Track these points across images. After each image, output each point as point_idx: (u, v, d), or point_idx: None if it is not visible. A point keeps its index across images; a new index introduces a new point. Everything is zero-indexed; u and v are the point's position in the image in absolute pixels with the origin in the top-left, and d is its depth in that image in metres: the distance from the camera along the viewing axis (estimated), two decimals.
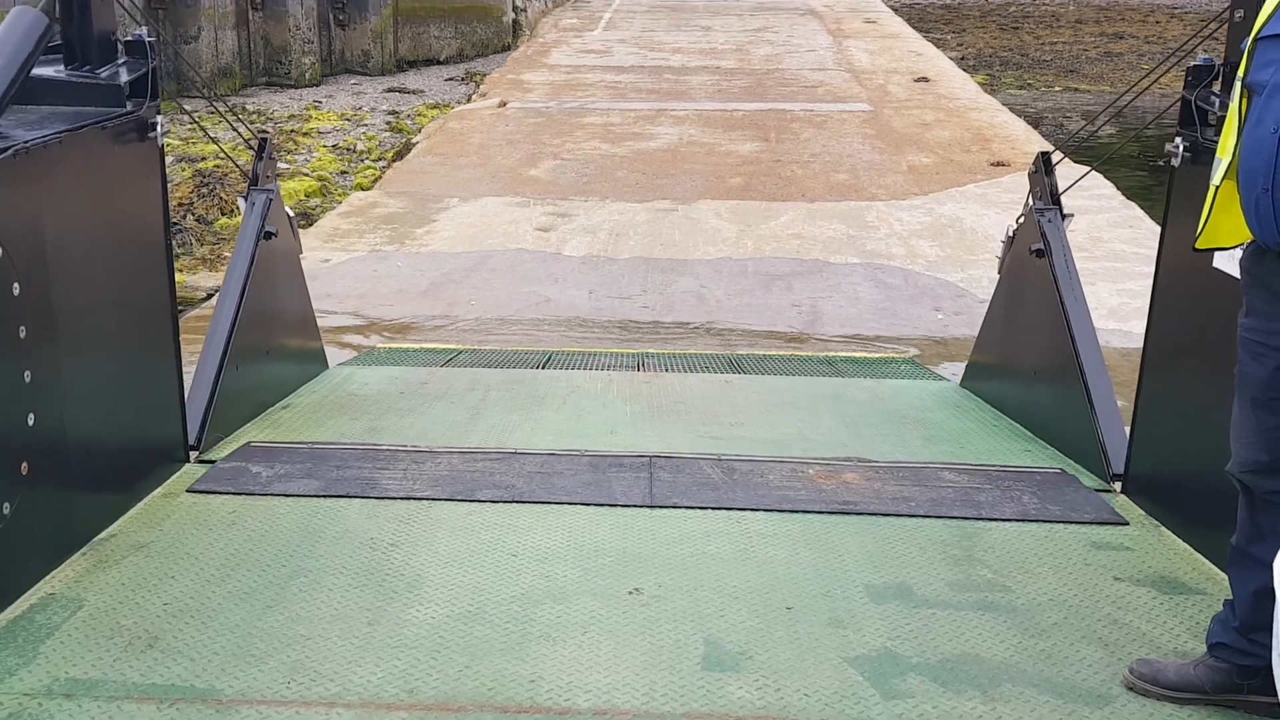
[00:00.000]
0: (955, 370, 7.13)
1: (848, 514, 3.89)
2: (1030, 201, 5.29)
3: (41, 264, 3.23)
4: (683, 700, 2.83)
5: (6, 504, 3.06)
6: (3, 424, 3.07)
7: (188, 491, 3.92)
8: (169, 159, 13.17)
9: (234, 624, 3.09)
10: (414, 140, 13.94)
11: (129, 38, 4.00)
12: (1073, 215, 5.18)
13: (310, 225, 10.54)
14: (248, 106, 16.67)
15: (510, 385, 5.70)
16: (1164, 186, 4.17)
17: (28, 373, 3.15)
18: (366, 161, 13.48)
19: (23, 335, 3.13)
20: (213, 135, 5.19)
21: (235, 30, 18.12)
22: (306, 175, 12.57)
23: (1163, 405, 4.04)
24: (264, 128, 15.18)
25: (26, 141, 3.18)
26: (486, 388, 5.59)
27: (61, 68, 3.82)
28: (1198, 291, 3.76)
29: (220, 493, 3.91)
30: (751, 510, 3.88)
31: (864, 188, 11.50)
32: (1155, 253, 4.75)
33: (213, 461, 4.21)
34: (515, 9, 21.71)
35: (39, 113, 3.55)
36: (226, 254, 9.94)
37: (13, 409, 3.11)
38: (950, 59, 21.27)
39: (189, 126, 15.01)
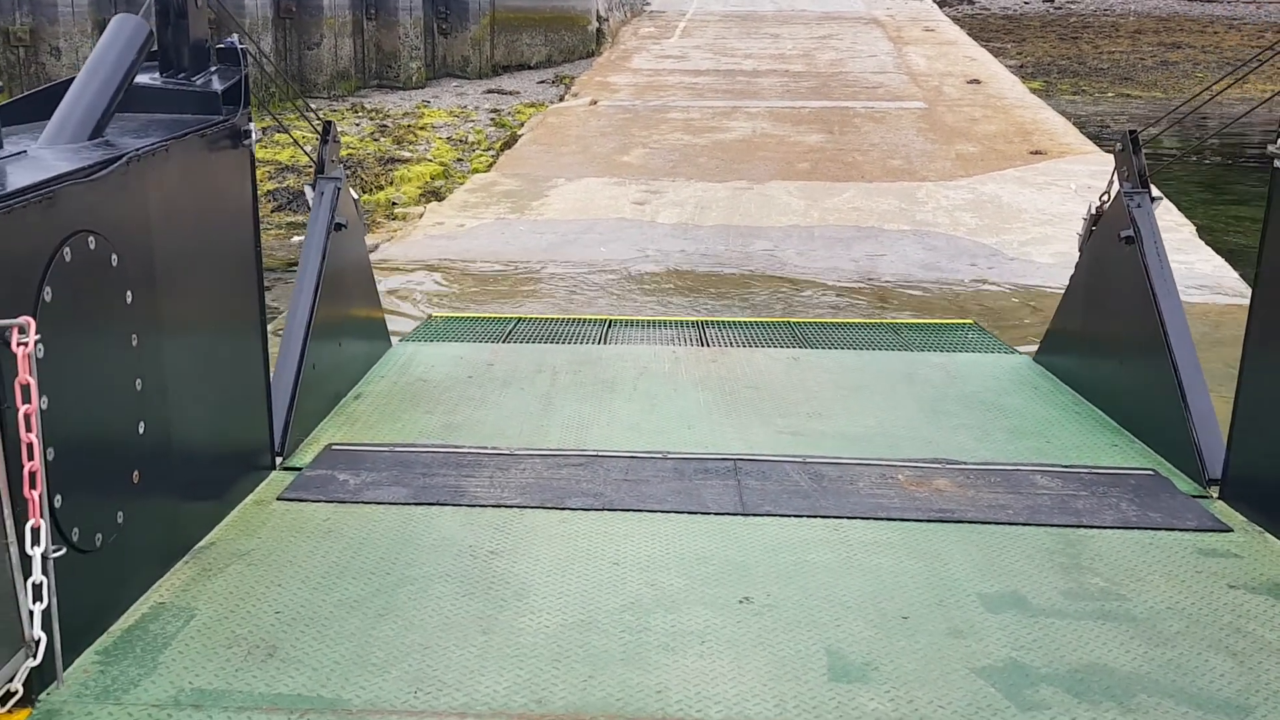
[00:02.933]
0: (986, 311, 8.77)
1: (945, 522, 3.86)
2: (1115, 181, 5.15)
3: (150, 271, 3.24)
4: (815, 712, 2.80)
5: (120, 513, 3.08)
6: (118, 433, 3.10)
7: (278, 499, 3.96)
8: (308, 149, 15.16)
9: (349, 633, 3.10)
10: (519, 133, 15.85)
11: (221, 45, 4.04)
12: (1162, 199, 4.98)
13: (442, 200, 12.44)
14: (365, 105, 18.70)
15: (576, 367, 5.70)
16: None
17: (139, 381, 3.17)
18: (478, 151, 15.39)
19: (135, 344, 3.15)
20: (286, 129, 5.60)
21: (352, 38, 20.20)
22: (430, 161, 14.50)
23: (1265, 410, 3.96)
24: (383, 122, 17.18)
25: (139, 149, 3.19)
26: (554, 370, 5.61)
27: (156, 75, 3.86)
28: None
29: (311, 500, 3.95)
30: (847, 518, 3.88)
31: (916, 171, 13.18)
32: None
33: (298, 468, 4.23)
34: (599, 19, 23.62)
35: (138, 120, 3.59)
36: (379, 218, 11.88)
37: (126, 418, 3.14)
38: (1008, 66, 22.75)
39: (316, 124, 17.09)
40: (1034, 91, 19.81)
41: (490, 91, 19.98)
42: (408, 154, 15.01)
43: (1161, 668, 3.02)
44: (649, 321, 7.31)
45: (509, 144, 15.29)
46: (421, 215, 11.74)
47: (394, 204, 12.70)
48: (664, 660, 3.00)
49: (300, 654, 3.00)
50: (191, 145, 3.54)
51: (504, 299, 9.02)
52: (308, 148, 5.42)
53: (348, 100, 19.22)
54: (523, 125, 16.59)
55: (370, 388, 5.31)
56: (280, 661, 2.96)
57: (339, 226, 4.97)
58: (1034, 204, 11.65)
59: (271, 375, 4.35)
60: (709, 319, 7.63)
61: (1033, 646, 3.10)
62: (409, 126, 16.82)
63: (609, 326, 6.99)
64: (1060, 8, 39.38)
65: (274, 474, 4.18)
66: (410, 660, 2.98)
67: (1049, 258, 9.96)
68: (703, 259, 10.14)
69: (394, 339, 6.20)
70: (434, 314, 7.81)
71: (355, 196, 5.50)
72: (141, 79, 3.65)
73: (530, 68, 22.20)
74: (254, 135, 3.93)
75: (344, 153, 14.79)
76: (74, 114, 3.27)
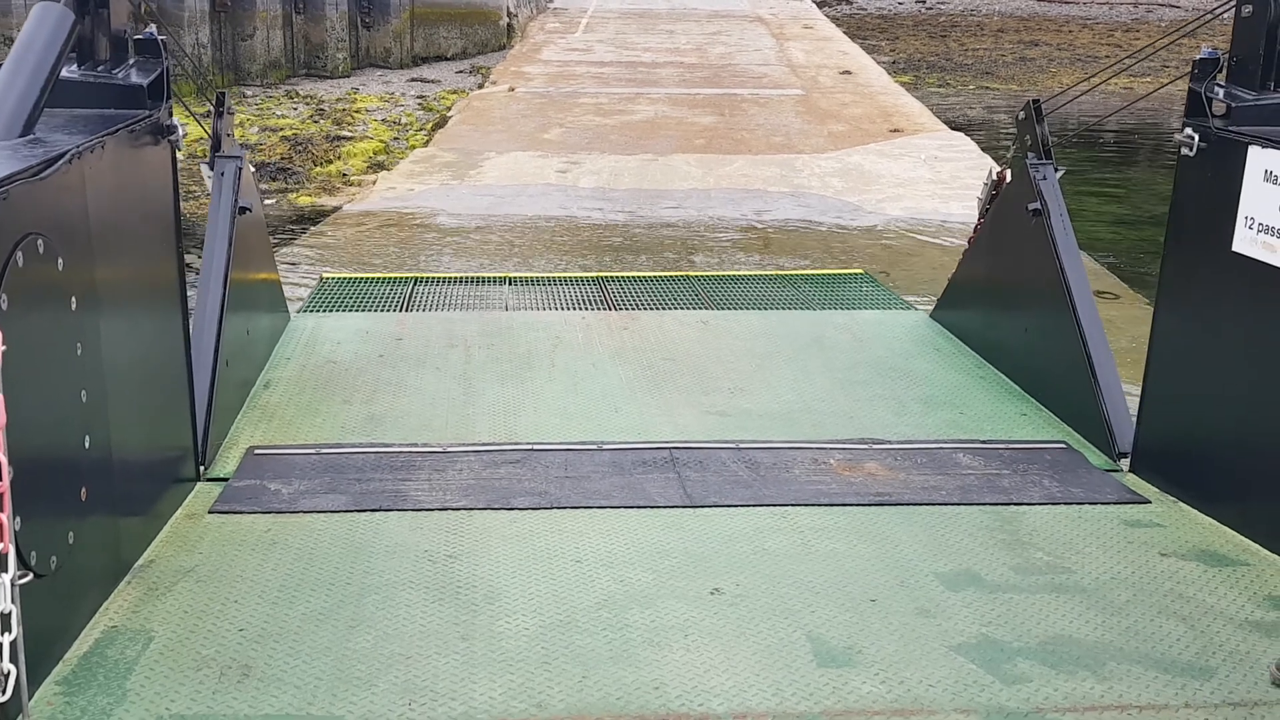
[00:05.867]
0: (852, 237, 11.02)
1: (885, 505, 3.96)
2: (1017, 149, 5.24)
3: (91, 276, 3.10)
4: (814, 698, 2.83)
5: (71, 533, 2.94)
6: (66, 448, 2.96)
7: (210, 513, 3.82)
8: (254, 130, 16.86)
9: (323, 647, 3.00)
10: (448, 115, 17.78)
11: (140, 36, 3.89)
12: (1064, 170, 5.10)
13: (389, 170, 14.35)
14: (299, 91, 20.38)
15: (489, 340, 5.64)
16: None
17: (84, 392, 3.03)
18: (412, 130, 17.28)
19: (79, 352, 3.01)
20: (194, 113, 5.05)
21: (282, 30, 21.84)
22: (371, 139, 16.36)
23: (1173, 386, 4.11)
24: (320, 107, 18.92)
25: (79, 147, 3.04)
26: (466, 344, 5.56)
27: (74, 67, 3.67)
28: (1211, 273, 3.85)
29: (245, 512, 3.82)
30: (792, 505, 3.93)
31: (795, 146, 15.52)
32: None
33: (224, 478, 4.10)
34: (509, 14, 25.59)
35: (62, 115, 3.43)
36: (336, 184, 13.73)
37: (74, 432, 2.99)
38: (882, 61, 25.24)
39: (256, 108, 18.78)
40: (904, 84, 22.29)
41: (413, 80, 21.82)
42: (349, 133, 16.83)
43: (1121, 635, 3.15)
44: (549, 278, 7.59)
45: (440, 125, 17.22)
46: (375, 182, 13.64)
47: (345, 174, 14.56)
48: (653, 656, 3.01)
49: (277, 672, 2.90)
50: (122, 141, 3.43)
51: (462, 244, 11.03)
52: (200, 125, 5.03)
53: (281, 88, 20.87)
54: (450, 109, 18.52)
55: (278, 373, 5.20)
56: (258, 681, 2.86)
57: (243, 210, 4.78)
58: (890, 171, 14.06)
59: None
60: (609, 275, 7.98)
61: (999, 622, 3.20)
62: (344, 110, 18.61)
63: (509, 284, 7.14)
64: (931, 8, 41.82)
65: (199, 485, 4.07)
66: (395, 671, 2.91)
67: (899, 211, 12.35)
68: (621, 214, 12.29)
69: (291, 306, 6.11)
70: (325, 274, 7.84)
71: (252, 169, 5.21)
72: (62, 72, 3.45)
73: (448, 59, 24.07)
74: (180, 131, 3.82)
75: (290, 133, 16.66)
76: (2, 110, 3.10)
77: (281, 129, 16.86)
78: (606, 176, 13.83)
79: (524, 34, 26.32)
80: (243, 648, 3.02)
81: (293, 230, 11.74)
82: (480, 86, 20.78)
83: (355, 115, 18.26)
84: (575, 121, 17.03)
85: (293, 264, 10.22)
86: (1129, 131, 18.59)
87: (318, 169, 14.63)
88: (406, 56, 23.42)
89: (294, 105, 19.10)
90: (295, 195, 13.29)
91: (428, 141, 15.99)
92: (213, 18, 20.77)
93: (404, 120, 18.06)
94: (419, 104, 19.55)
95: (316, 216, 12.15)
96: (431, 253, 10.74)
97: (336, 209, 12.40)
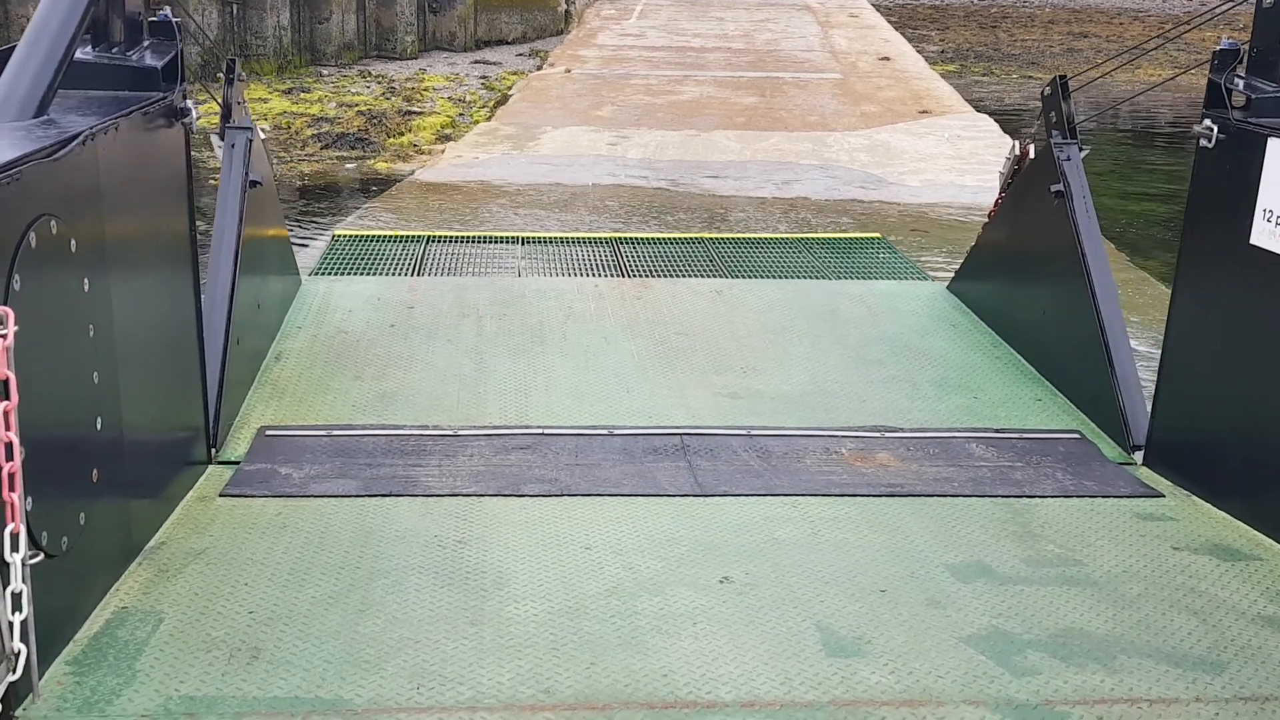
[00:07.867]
0: (870, 208, 12.26)
1: (896, 496, 3.94)
2: (1042, 127, 5.18)
3: (102, 257, 3.11)
4: (822, 688, 2.83)
5: (82, 514, 2.96)
6: (77, 430, 2.97)
7: (221, 495, 3.84)
8: (332, 105, 18.34)
9: (332, 630, 3.02)
10: (509, 94, 19.20)
11: (154, 18, 3.90)
12: (1088, 149, 5.01)
13: (458, 141, 15.77)
14: (371, 71, 21.88)
15: (500, 310, 5.65)
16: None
17: (96, 374, 3.04)
18: (475, 107, 18.70)
19: (92, 334, 3.02)
20: (208, 90, 5.03)
21: (356, 14, 23.36)
22: (438, 114, 17.81)
23: (1188, 380, 4.07)
24: (391, 85, 20.39)
25: (92, 128, 3.04)
26: (478, 314, 5.58)
27: (88, 48, 3.68)
28: (1229, 266, 3.81)
29: (256, 496, 3.84)
30: (802, 495, 3.93)
31: (828, 124, 16.73)
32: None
33: (235, 461, 4.11)
34: (567, 1, 26.97)
35: (76, 97, 3.44)
36: (409, 153, 15.17)
37: (85, 414, 3.00)
38: (930, 50, 26.23)
39: (333, 86, 20.31)
40: (948, 73, 23.34)
41: (476, 62, 23.28)
42: (418, 109, 18.29)
43: (1133, 629, 3.14)
44: (561, 239, 7.81)
45: (501, 102, 18.63)
46: (444, 151, 15.07)
47: (416, 145, 16.00)
48: (661, 644, 3.03)
49: (287, 654, 2.92)
50: (136, 124, 3.45)
51: (519, 203, 12.42)
52: (209, 92, 4.78)
53: (354, 68, 22.40)
54: (510, 88, 19.95)
55: (290, 344, 5.21)
56: (267, 663, 2.89)
57: (254, 184, 4.80)
58: (914, 147, 15.24)
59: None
60: (622, 236, 8.10)
61: (1010, 614, 3.20)
62: (414, 89, 20.09)
63: (521, 244, 7.29)
64: None
65: (211, 468, 4.10)
66: (404, 656, 2.94)
67: (918, 183, 13.54)
68: (662, 180, 13.61)
69: (302, 268, 6.17)
70: (338, 232, 8.07)
71: (262, 136, 5.11)
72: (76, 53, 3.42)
73: (508, 43, 25.51)
74: (194, 114, 3.83)
75: (364, 108, 18.14)
76: (17, 90, 3.12)
77: (357, 104, 18.36)
78: (653, 149, 15.15)
79: (581, 20, 27.71)
80: (252, 630, 3.05)
81: (372, 190, 13.21)
82: (539, 68, 22.18)
83: (424, 93, 19.74)
84: (626, 100, 18.37)
85: (375, 218, 11.66)
86: (1181, 120, 19.53)
87: (391, 140, 16.09)
88: (470, 40, 24.88)
89: (367, 84, 20.60)
90: (373, 162, 14.76)
91: (490, 117, 17.42)
92: (292, 2, 22.33)
93: (468, 98, 19.50)
94: (482, 84, 20.99)
95: (391, 180, 13.61)
96: (492, 209, 12.13)
97: (410, 174, 13.85)
